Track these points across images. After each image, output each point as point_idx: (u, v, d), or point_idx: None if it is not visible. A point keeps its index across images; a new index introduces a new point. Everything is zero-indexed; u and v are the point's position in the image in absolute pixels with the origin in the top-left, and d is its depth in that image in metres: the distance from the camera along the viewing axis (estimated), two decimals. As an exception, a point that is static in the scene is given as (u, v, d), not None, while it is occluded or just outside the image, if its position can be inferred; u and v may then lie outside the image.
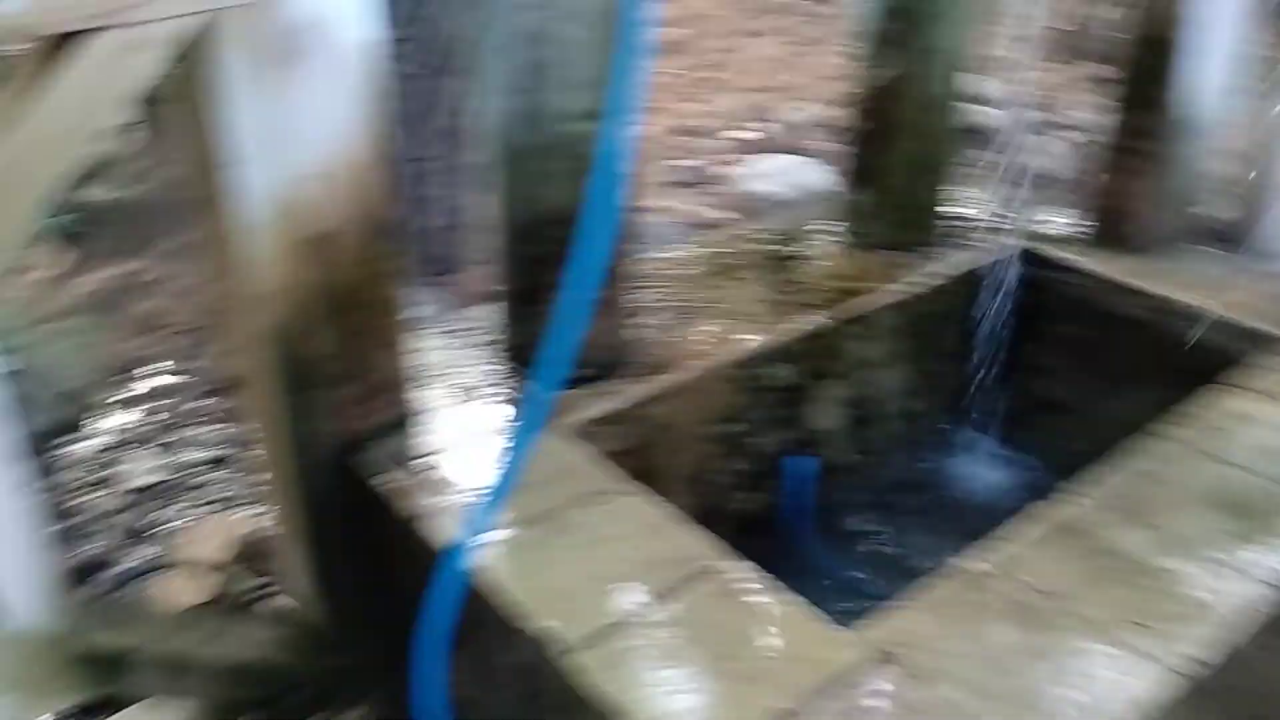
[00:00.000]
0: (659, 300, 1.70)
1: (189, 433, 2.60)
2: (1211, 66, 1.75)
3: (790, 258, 1.85)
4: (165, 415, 2.69)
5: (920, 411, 1.89)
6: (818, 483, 1.73)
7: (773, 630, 1.03)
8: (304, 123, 1.16)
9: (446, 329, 1.64)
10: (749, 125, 5.23)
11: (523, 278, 1.46)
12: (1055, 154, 4.36)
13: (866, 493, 1.84)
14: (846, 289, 1.73)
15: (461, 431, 1.38)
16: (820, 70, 6.18)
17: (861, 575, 1.66)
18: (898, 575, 1.68)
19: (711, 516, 1.61)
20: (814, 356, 1.65)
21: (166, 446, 2.52)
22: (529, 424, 1.20)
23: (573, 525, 1.18)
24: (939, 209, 1.85)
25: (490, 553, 1.14)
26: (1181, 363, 1.69)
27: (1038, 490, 1.68)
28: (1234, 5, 1.70)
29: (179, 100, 1.15)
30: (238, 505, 2.18)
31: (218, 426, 2.65)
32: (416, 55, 3.43)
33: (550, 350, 1.16)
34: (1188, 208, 1.85)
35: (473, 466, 1.31)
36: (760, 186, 4.57)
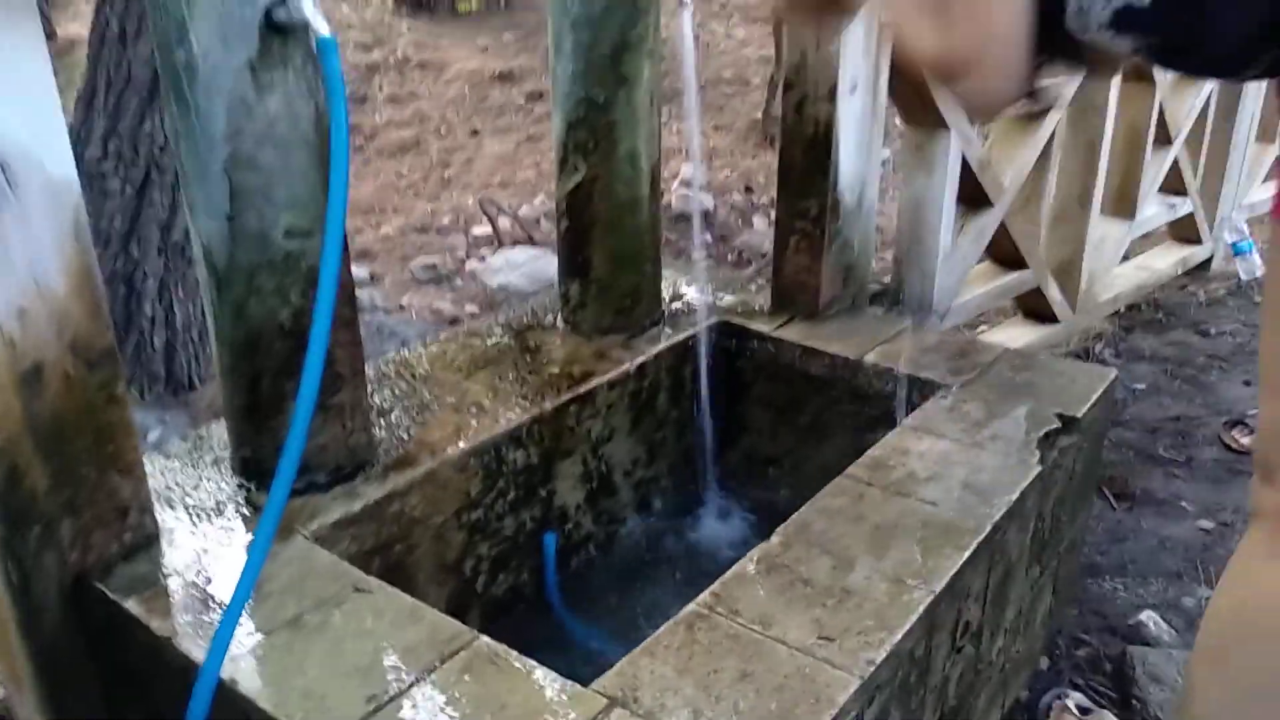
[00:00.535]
0: (398, 399, 1.77)
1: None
2: (861, 157, 2.06)
3: (524, 347, 1.98)
4: None
5: (649, 478, 2.05)
6: (559, 556, 1.84)
7: (520, 694, 1.12)
8: (2, 269, 1.16)
9: (178, 448, 1.63)
10: (481, 221, 5.39)
11: (246, 393, 1.49)
12: (755, 232, 4.82)
13: (609, 560, 1.98)
14: (567, 373, 1.88)
15: (201, 549, 1.39)
16: (543, 165, 6.48)
17: (606, 639, 1.77)
18: (640, 631, 1.83)
19: (466, 603, 1.69)
20: (545, 438, 1.77)
21: None
22: (262, 535, 1.24)
23: (318, 628, 1.23)
24: (643, 294, 2.04)
25: (239, 664, 1.16)
26: (860, 410, 1.96)
27: (760, 537, 1.89)
28: (869, 113, 2.03)
29: None
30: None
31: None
32: (119, 172, 3.35)
33: (281, 461, 1.21)
34: (857, 278, 2.16)
35: (214, 582, 1.32)
36: (499, 279, 4.72)
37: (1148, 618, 2.06)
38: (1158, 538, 2.38)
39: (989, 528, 1.42)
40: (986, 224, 2.55)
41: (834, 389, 1.98)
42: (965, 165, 2.38)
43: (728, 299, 2.20)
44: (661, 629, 1.23)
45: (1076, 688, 1.86)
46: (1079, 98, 2.72)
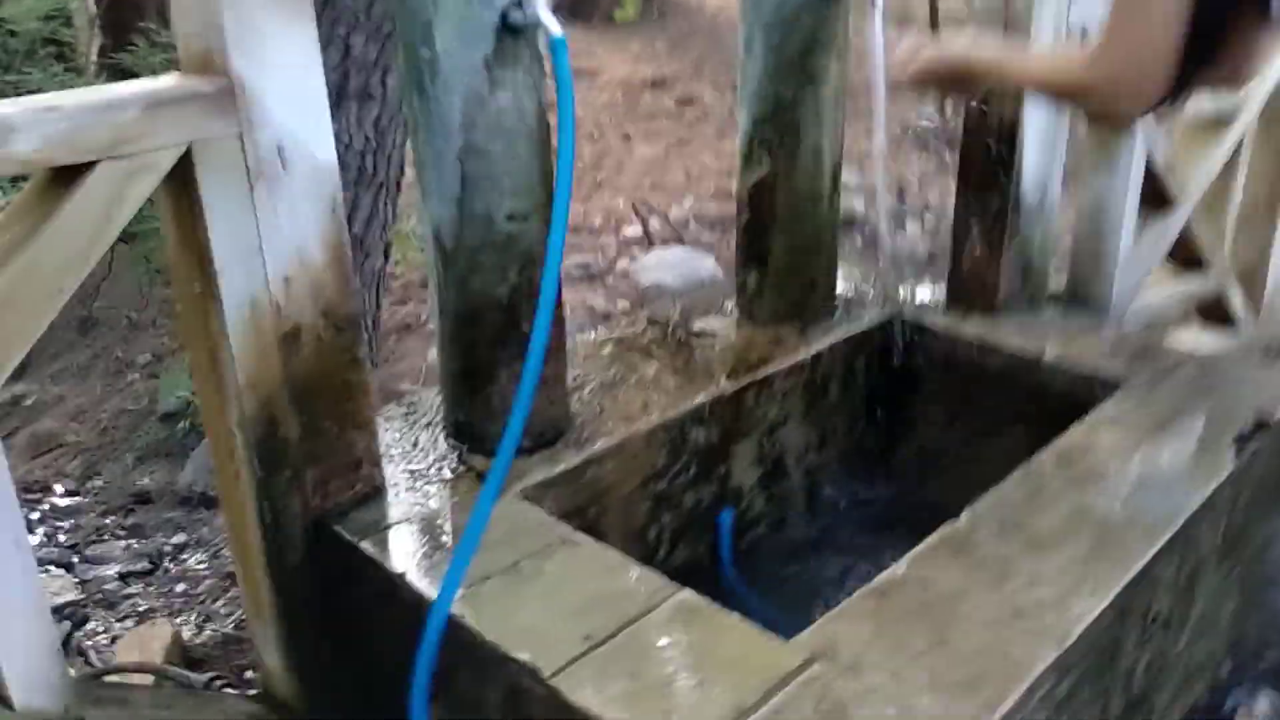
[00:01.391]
0: (584, 377, 1.88)
1: (95, 550, 2.63)
2: (1045, 155, 2.07)
3: (691, 336, 2.07)
4: (67, 536, 2.71)
5: (819, 464, 2.11)
6: (735, 533, 1.92)
7: (726, 643, 1.20)
8: (272, 234, 1.32)
9: (393, 412, 1.79)
10: (632, 222, 5.52)
11: (462, 360, 1.62)
12: (921, 234, 4.79)
13: (778, 540, 2.04)
14: (745, 359, 1.95)
15: (420, 501, 1.52)
16: (691, 168, 6.58)
17: (778, 613, 1.84)
18: (809, 610, 1.88)
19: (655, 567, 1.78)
20: (724, 418, 1.85)
21: (71, 566, 2.54)
22: (489, 489, 1.36)
23: (533, 574, 1.34)
24: (819, 286, 2.10)
25: (466, 602, 1.28)
26: (1037, 407, 1.96)
27: (927, 527, 1.92)
28: (1055, 109, 2.03)
29: (168, 219, 1.30)
30: (164, 615, 2.24)
31: (124, 542, 2.69)
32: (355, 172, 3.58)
33: (510, 420, 1.33)
34: (1036, 275, 2.16)
35: (435, 529, 1.45)
36: (652, 278, 4.83)
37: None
38: None
39: (1182, 520, 1.42)
40: (1169, 226, 2.49)
41: (1011, 386, 1.99)
42: (1148, 165, 2.34)
43: (902, 295, 2.23)
44: (855, 595, 1.29)
45: (1261, 690, 1.81)
46: (1271, 102, 2.63)
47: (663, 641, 1.21)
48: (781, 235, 2.03)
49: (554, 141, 1.42)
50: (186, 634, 2.12)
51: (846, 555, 2.05)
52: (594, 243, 5.32)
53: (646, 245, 5.23)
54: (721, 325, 2.10)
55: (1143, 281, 2.51)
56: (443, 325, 1.62)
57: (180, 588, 2.36)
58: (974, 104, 2.03)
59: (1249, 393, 1.76)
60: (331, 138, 1.35)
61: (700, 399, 1.81)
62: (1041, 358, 1.94)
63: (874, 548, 2.05)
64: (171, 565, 2.49)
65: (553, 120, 1.41)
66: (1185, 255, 2.66)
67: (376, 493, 1.53)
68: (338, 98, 3.61)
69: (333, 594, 1.50)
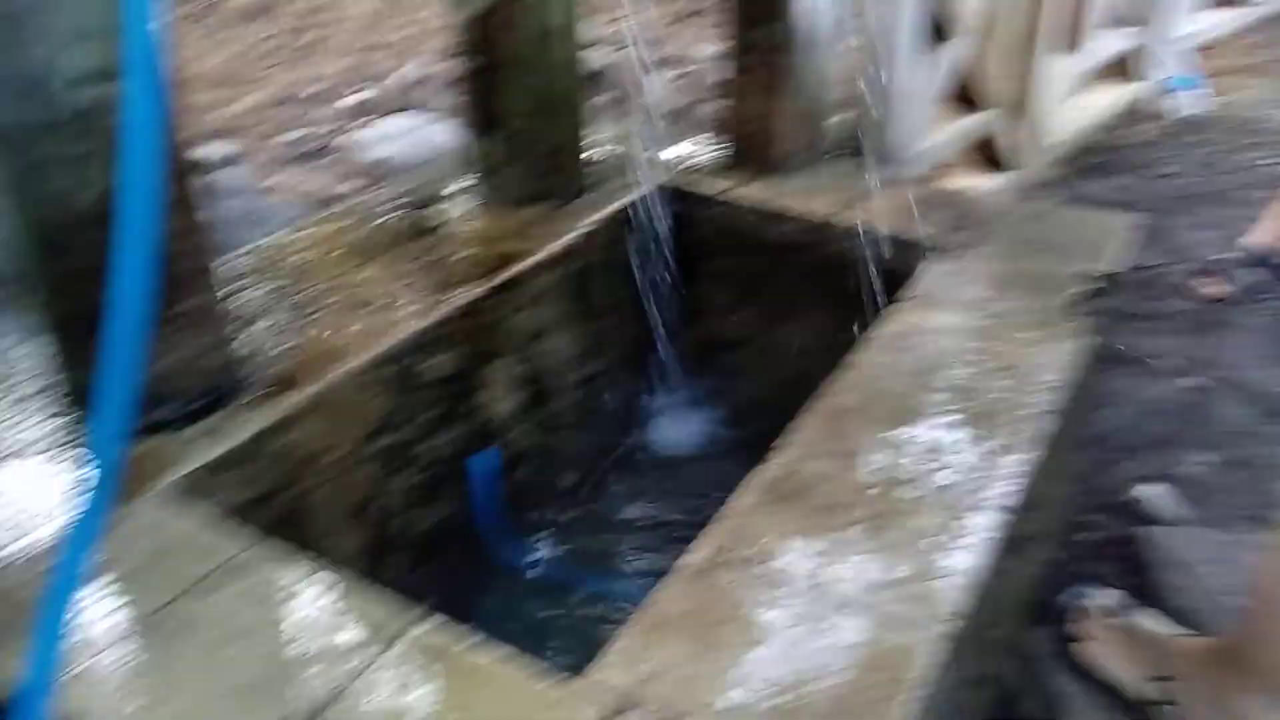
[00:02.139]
0: (275, 298, 1.39)
1: None
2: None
3: (424, 227, 1.60)
4: None
5: (598, 373, 1.73)
6: (502, 478, 1.52)
7: (486, 700, 0.80)
8: None
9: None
10: (356, 88, 4.87)
11: (68, 300, 1.09)
12: (675, 87, 4.41)
13: (559, 476, 1.66)
14: (493, 253, 1.52)
15: (20, 519, 1.01)
16: (420, 22, 5.88)
17: (568, 570, 1.48)
18: (604, 561, 1.53)
19: (390, 547, 1.35)
20: (473, 336, 1.42)
21: None
22: (97, 492, 0.87)
23: (196, 622, 0.88)
24: (573, 152, 1.67)
25: (81, 690, 0.81)
26: (835, 283, 1.65)
27: (725, 435, 1.59)
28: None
29: None
30: None
31: None
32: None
33: (106, 388, 0.84)
34: (818, 123, 1.82)
35: (39, 564, 0.95)
36: (382, 151, 4.24)
37: (1147, 491, 1.87)
38: (1138, 401, 2.18)
39: (1041, 417, 1.15)
40: (947, 58, 2.24)
41: (803, 257, 1.67)
42: None
43: (666, 160, 1.83)
44: (659, 591, 0.93)
45: (1091, 580, 1.66)
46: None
47: (408, 713, 0.80)
48: (522, 85, 1.57)
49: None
50: None
51: (640, 492, 1.70)
52: (305, 115, 4.61)
53: (377, 114, 4.58)
54: (454, 211, 1.64)
55: (926, 123, 2.25)
56: (18, 256, 1.07)
57: None
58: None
59: (1071, 241, 1.52)
60: None
61: (433, 317, 1.36)
62: (831, 221, 1.62)
63: (670, 468, 1.72)
64: None
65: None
66: (963, 96, 2.44)
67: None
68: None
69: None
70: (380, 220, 1.61)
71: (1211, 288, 2.52)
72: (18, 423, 1.15)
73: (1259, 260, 2.51)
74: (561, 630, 1.41)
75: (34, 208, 1.01)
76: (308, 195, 3.87)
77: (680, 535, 1.58)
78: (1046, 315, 1.33)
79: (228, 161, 3.95)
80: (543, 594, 1.49)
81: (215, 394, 1.15)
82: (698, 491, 1.66)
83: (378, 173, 4.04)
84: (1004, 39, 2.58)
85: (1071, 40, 2.99)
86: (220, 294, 1.17)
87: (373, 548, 1.34)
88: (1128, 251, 1.54)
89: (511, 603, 1.43)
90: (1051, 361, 1.23)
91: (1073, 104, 3.19)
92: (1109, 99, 3.34)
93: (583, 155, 1.70)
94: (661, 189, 1.73)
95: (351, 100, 4.66)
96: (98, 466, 0.85)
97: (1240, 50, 4.24)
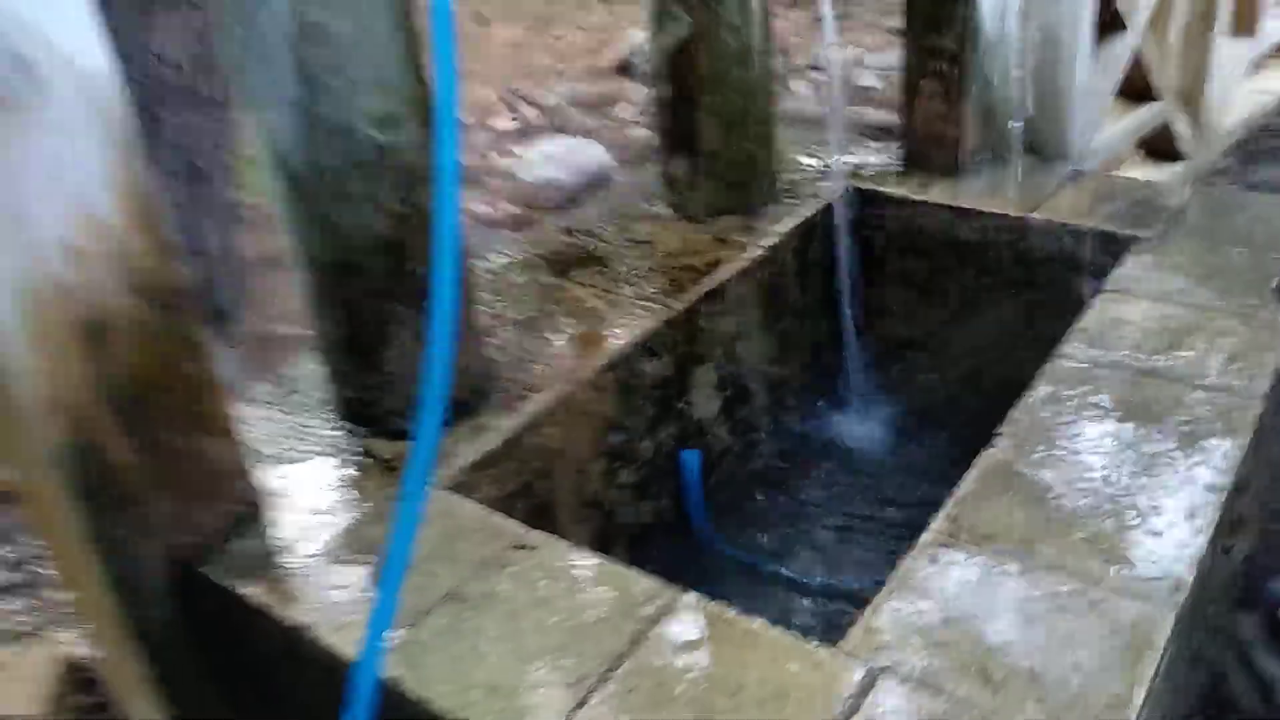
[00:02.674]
0: (498, 315, 1.53)
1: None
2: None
3: (624, 243, 1.72)
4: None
5: (786, 376, 1.81)
6: (705, 474, 1.62)
7: (756, 666, 0.90)
8: (36, 187, 0.91)
9: (266, 394, 1.40)
10: (507, 113, 5.06)
11: (343, 323, 1.25)
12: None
13: (755, 472, 1.76)
14: (687, 266, 1.63)
15: (316, 512, 1.16)
16: (558, 48, 6.07)
17: (759, 556, 1.57)
18: (809, 548, 1.61)
19: (609, 537, 1.47)
20: (676, 344, 1.53)
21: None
22: (413, 488, 1.01)
23: (485, 600, 1.01)
24: (759, 164, 1.76)
25: (400, 657, 0.95)
26: (1022, 276, 1.69)
27: (909, 433, 1.65)
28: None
29: None
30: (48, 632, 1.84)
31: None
32: (141, 89, 3.01)
33: (425, 394, 0.97)
34: (997, 123, 1.86)
35: (343, 552, 1.10)
36: (539, 174, 4.40)
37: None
38: None
39: (1250, 404, 1.17)
40: (1119, 52, 2.23)
41: (993, 254, 1.71)
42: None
43: (849, 161, 1.90)
44: (901, 566, 1.00)
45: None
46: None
47: (671, 676, 0.90)
48: (710, 109, 1.67)
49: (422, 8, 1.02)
50: (80, 652, 1.73)
51: (826, 474, 1.78)
52: (472, 140, 4.85)
53: (523, 138, 4.77)
54: (650, 228, 1.75)
55: (1100, 114, 2.25)
56: (308, 281, 1.23)
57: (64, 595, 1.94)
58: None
59: (1273, 228, 1.52)
60: (98, 37, 0.93)
61: (649, 324, 1.47)
62: (1026, 219, 1.66)
63: (854, 460, 1.79)
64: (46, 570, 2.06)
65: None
66: (1132, 86, 2.41)
67: (253, 512, 1.16)
68: (145, 3, 3.03)
69: (222, 655, 1.14)
70: (588, 236, 1.73)
71: None
72: (300, 433, 1.32)
73: None
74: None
75: (332, 239, 1.16)
76: (475, 218, 4.08)
77: (866, 528, 1.66)
78: (1245, 305, 1.34)
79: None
80: (746, 578, 1.57)
81: (477, 396, 1.30)
82: (883, 488, 1.73)
83: (540, 194, 4.22)
84: (1177, 27, 2.54)
85: (1246, 24, 2.90)
86: (471, 311, 1.31)
87: (600, 535, 1.46)
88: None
89: (717, 588, 1.52)
90: (1255, 349, 1.25)
91: (1247, 89, 3.09)
92: (1285, 80, 3.21)
93: (771, 167, 1.79)
94: (846, 195, 1.80)
95: (503, 125, 4.87)
96: (419, 460, 0.98)
97: None
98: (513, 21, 6.54)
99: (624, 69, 5.40)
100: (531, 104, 4.98)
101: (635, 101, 4.95)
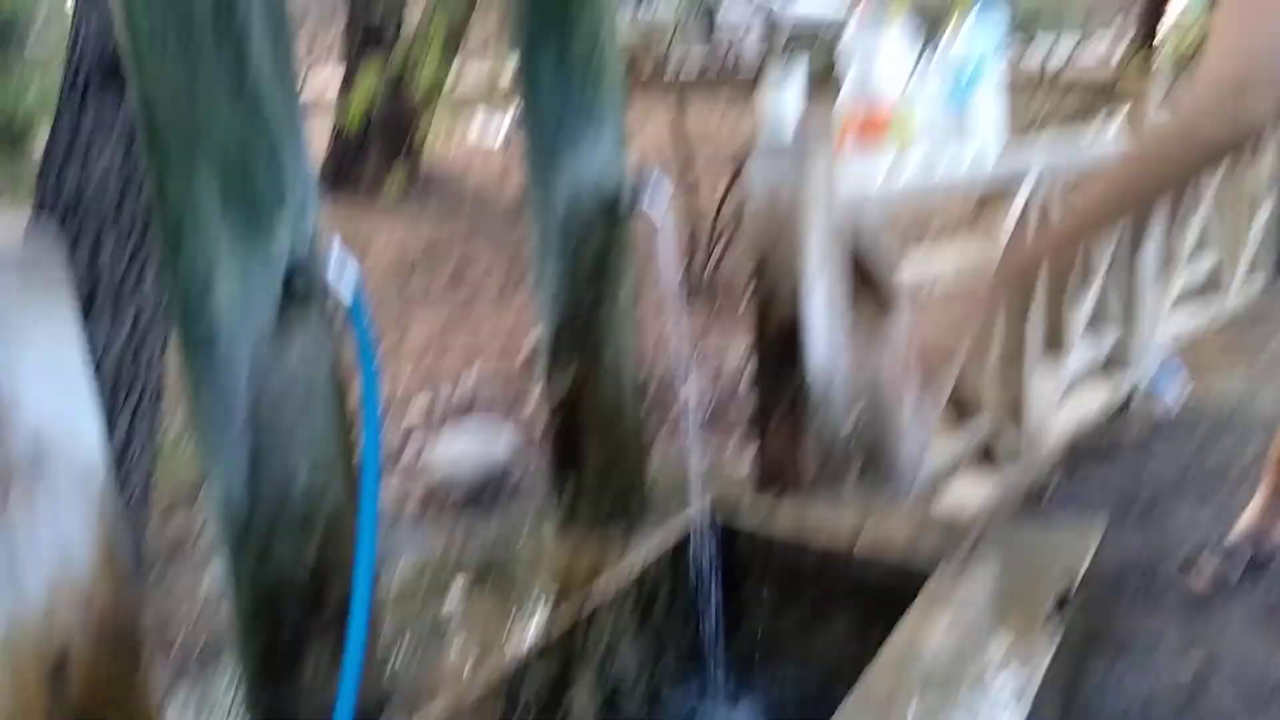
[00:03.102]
0: (397, 625, 1.73)
1: None
2: (831, 343, 2.17)
3: (514, 555, 1.98)
4: None
5: (660, 676, 2.03)
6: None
7: None
8: (29, 545, 1.14)
9: (188, 698, 1.57)
10: (425, 399, 5.37)
11: (264, 647, 1.45)
12: (713, 394, 4.90)
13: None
14: (573, 574, 1.88)
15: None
16: (472, 341, 6.54)
17: None
18: None
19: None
20: (562, 649, 1.75)
21: None
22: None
23: None
24: (637, 486, 2.07)
25: None
26: (854, 590, 1.99)
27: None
28: (833, 298, 2.14)
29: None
30: None
31: None
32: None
33: (337, 708, 1.18)
34: (835, 452, 2.23)
35: None
36: (446, 461, 4.65)
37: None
38: (1130, 694, 2.36)
39: (1028, 705, 1.44)
40: (940, 383, 2.67)
41: (830, 573, 2.01)
42: (917, 334, 2.51)
43: (713, 481, 2.23)
44: None
45: None
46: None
47: None
48: (595, 439, 1.99)
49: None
50: None
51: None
52: (388, 427, 5.11)
53: (434, 425, 5.07)
54: (541, 538, 2.02)
55: (928, 440, 2.66)
56: (237, 604, 1.44)
57: None
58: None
59: (1055, 552, 1.85)
60: (98, 424, 1.20)
61: (537, 634, 1.70)
62: (852, 544, 1.98)
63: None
64: None
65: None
66: (958, 405, 2.86)
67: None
68: (86, 307, 3.34)
69: None
70: (480, 545, 1.99)
71: (1202, 576, 2.77)
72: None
73: (1248, 547, 2.77)
74: None
75: (263, 573, 1.39)
76: (391, 505, 4.29)
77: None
78: (1025, 622, 1.65)
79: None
80: None
81: (378, 708, 1.49)
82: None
83: (452, 483, 4.46)
84: (995, 354, 3.03)
85: (1058, 347, 3.44)
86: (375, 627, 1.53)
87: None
88: (1104, 554, 1.86)
89: None
90: (1027, 665, 1.54)
91: (1064, 405, 3.60)
92: (1100, 394, 3.75)
93: (646, 488, 2.10)
94: (710, 509, 2.11)
95: (417, 411, 5.18)
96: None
97: (1221, 340, 4.71)
98: (432, 315, 7.05)
99: (534, 361, 5.84)
100: (443, 395, 5.33)
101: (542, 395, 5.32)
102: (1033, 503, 3.21)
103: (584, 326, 1.93)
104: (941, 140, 2.50)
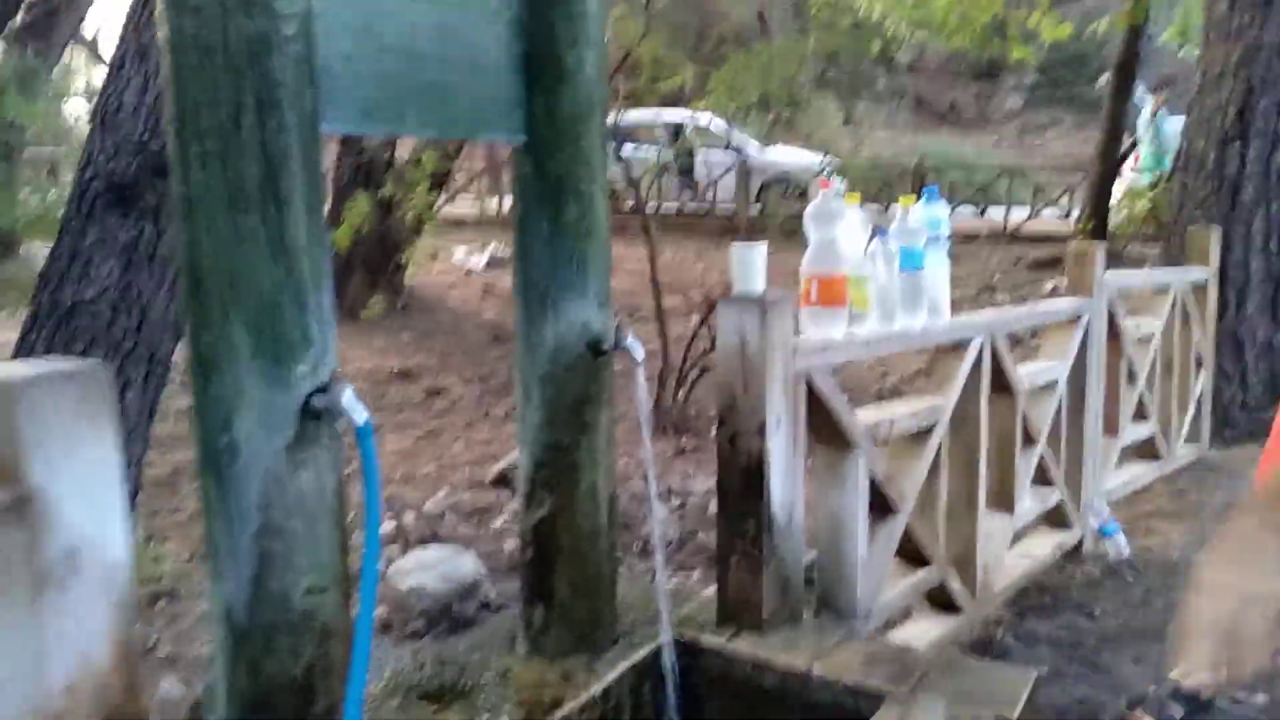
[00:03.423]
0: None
1: None
2: (789, 483, 2.33)
3: (483, 677, 2.07)
4: None
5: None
6: None
7: None
8: (57, 641, 1.25)
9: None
10: (388, 520, 5.43)
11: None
12: (657, 520, 5.02)
13: None
14: (538, 700, 1.97)
15: None
16: (443, 459, 6.64)
17: None
18: None
19: None
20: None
21: None
22: None
23: None
24: (604, 617, 2.18)
25: None
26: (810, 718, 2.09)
27: None
28: (792, 443, 2.31)
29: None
30: None
31: None
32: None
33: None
34: (792, 587, 2.36)
35: None
36: (411, 582, 4.70)
37: None
38: None
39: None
40: (894, 529, 2.83)
41: (788, 702, 2.11)
42: (871, 480, 2.68)
43: (678, 611, 2.34)
44: None
45: None
46: (956, 412, 3.12)
47: None
48: (565, 571, 2.12)
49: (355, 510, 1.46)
50: None
51: None
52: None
53: (402, 544, 5.13)
54: (508, 663, 2.11)
55: (881, 581, 2.79)
56: (230, 708, 1.54)
57: None
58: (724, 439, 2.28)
59: (991, 690, 1.98)
60: (125, 535, 1.32)
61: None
62: (810, 672, 2.09)
63: None
64: None
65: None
66: (909, 553, 3.01)
67: None
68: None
69: None
70: (453, 666, 2.08)
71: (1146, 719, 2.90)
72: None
73: (1188, 693, 2.91)
74: None
75: (259, 676, 1.49)
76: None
77: None
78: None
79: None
80: None
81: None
82: None
83: (411, 601, 4.50)
84: (948, 505, 3.20)
85: (1007, 500, 3.62)
86: None
87: None
88: (1029, 701, 1.99)
89: None
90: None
91: (1013, 553, 3.76)
92: (1046, 546, 3.92)
93: (612, 618, 2.21)
94: (673, 639, 2.21)
95: (384, 529, 5.24)
96: None
97: (1162, 498, 4.92)
98: (404, 433, 7.15)
99: (503, 481, 5.95)
100: (411, 512, 5.40)
101: (511, 513, 5.43)
102: (983, 644, 3.33)
103: (566, 455, 2.08)
104: (895, 304, 2.73)
